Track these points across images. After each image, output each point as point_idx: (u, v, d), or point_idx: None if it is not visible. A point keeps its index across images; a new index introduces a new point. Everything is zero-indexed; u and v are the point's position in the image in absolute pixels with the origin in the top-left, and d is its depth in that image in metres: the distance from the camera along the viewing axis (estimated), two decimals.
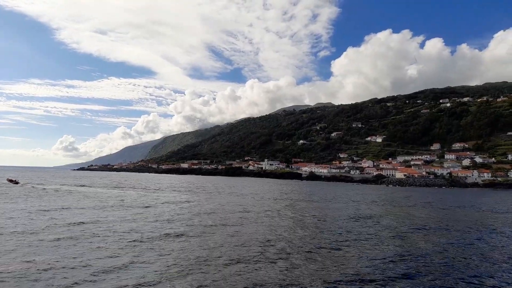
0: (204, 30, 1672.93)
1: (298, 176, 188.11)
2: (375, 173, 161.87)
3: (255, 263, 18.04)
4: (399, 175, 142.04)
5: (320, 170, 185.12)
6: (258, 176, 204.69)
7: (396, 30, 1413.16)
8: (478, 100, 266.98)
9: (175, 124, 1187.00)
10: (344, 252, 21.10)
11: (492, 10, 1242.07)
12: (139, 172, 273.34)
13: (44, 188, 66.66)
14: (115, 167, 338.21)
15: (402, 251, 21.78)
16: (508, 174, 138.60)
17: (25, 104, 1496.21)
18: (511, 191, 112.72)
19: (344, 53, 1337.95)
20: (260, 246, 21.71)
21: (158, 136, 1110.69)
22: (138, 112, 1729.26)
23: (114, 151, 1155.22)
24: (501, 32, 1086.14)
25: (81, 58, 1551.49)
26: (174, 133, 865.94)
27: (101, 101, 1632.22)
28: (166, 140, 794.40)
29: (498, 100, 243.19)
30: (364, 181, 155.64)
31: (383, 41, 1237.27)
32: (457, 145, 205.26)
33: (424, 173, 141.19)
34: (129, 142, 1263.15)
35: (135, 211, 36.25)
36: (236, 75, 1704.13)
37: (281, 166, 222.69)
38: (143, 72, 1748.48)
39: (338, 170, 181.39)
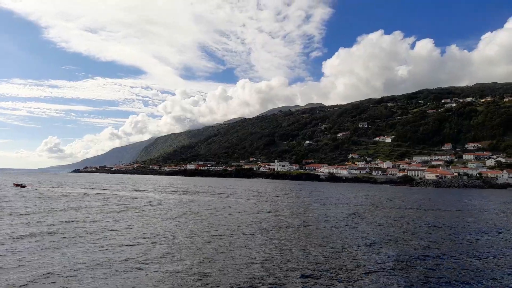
0: (197, 30, 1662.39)
1: (316, 178, 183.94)
2: (399, 174, 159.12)
3: None
4: (429, 176, 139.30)
5: (340, 171, 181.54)
6: (272, 178, 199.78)
7: (387, 31, 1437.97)
8: (482, 100, 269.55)
9: (164, 124, 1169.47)
10: None
11: (479, 12, 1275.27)
12: (142, 174, 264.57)
13: (86, 194, 60.46)
14: (113, 169, 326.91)
15: None
16: None
17: (8, 105, 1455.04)
18: None
19: (336, 53, 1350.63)
20: None
21: (146, 137, 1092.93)
22: (125, 113, 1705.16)
23: (101, 153, 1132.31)
24: (488, 34, 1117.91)
25: (69, 57, 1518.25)
26: (164, 134, 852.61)
27: (86, 101, 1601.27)
28: (157, 141, 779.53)
29: (504, 100, 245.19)
30: (390, 182, 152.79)
31: (375, 42, 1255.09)
32: (470, 145, 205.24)
33: (455, 173, 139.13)
34: (117, 143, 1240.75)
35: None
36: (228, 75, 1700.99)
37: (293, 167, 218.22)
38: (134, 72, 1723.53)
39: (358, 171, 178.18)
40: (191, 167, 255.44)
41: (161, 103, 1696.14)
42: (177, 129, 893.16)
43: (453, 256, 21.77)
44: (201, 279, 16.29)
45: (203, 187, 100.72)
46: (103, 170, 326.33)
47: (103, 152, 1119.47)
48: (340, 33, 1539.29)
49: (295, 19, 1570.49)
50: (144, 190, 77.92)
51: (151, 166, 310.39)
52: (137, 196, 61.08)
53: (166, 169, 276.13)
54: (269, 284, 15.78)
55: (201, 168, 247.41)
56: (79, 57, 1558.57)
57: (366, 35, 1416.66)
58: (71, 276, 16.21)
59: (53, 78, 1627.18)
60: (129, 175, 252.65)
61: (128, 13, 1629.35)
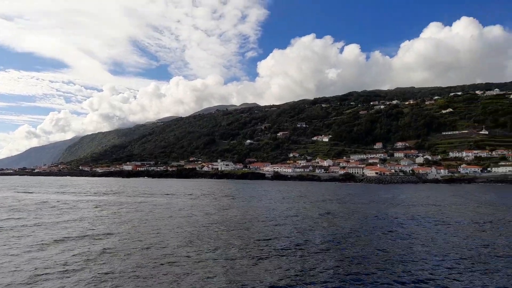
0: (128, 23, 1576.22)
1: (261, 177, 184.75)
2: (341, 172, 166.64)
3: None
4: (370, 173, 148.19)
5: (285, 170, 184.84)
6: (217, 178, 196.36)
7: (319, 35, 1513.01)
8: (406, 103, 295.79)
9: (90, 122, 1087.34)
10: None
11: (398, 21, 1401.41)
12: (71, 176, 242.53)
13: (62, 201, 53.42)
14: (36, 170, 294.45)
15: None
16: (459, 170, 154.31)
17: None
18: (479, 185, 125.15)
19: (271, 54, 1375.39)
20: None
21: (69, 135, 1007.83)
22: (43, 110, 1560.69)
23: (15, 153, 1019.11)
24: (406, 42, 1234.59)
25: None
26: (90, 133, 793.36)
27: None
28: (83, 140, 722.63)
29: (426, 103, 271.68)
30: (333, 179, 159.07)
31: (307, 45, 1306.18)
32: (399, 144, 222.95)
33: (392, 170, 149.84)
34: (35, 143, 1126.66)
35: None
36: (161, 72, 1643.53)
37: (238, 166, 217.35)
38: (55, 65, 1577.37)
39: (302, 170, 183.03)
40: (127, 167, 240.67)
41: (86, 99, 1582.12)
42: (105, 127, 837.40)
43: None
44: None
45: (161, 189, 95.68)
46: (24, 172, 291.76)
47: (18, 153, 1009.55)
48: (274, 34, 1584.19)
49: (231, 18, 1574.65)
50: (116, 193, 72.05)
51: (80, 167, 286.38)
52: (116, 201, 56.16)
53: (99, 170, 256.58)
54: None
55: (139, 168, 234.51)
56: None
57: (299, 38, 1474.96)
58: None
59: None
60: (57, 177, 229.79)
61: (51, 1, 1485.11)
